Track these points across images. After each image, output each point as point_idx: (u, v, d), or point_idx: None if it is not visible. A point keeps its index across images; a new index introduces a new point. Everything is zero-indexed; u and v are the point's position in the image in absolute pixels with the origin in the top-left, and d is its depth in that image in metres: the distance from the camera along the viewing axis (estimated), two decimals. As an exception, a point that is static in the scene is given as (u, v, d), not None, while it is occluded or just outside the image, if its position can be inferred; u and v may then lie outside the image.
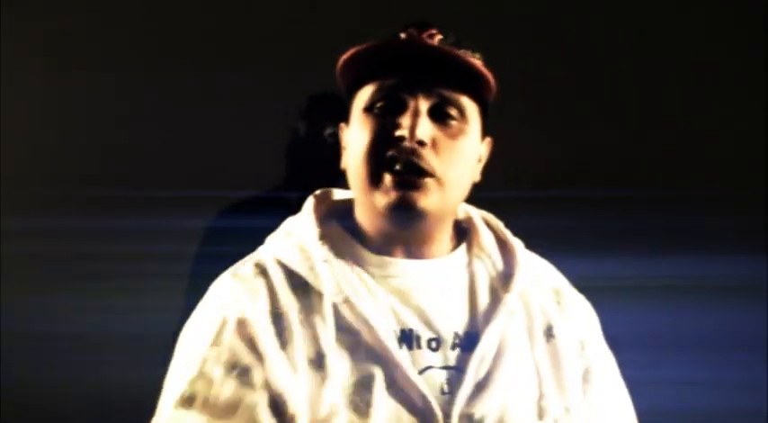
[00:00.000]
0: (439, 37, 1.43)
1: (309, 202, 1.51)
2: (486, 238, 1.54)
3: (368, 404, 1.34)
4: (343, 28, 2.61)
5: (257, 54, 2.57)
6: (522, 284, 1.48)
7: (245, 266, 1.46)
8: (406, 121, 1.39)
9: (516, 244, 1.54)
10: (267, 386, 1.33)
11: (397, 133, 1.39)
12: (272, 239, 1.51)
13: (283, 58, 2.57)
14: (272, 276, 1.43)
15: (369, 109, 1.43)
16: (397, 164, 1.39)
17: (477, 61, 1.43)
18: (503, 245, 1.54)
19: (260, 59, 2.56)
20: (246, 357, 1.35)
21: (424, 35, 1.43)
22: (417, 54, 1.41)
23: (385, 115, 1.41)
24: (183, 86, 2.54)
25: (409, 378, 1.37)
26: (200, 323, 1.41)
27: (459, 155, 1.43)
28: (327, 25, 2.59)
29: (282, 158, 2.49)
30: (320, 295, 1.40)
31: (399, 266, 1.45)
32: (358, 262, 1.45)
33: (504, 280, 1.49)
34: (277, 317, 1.39)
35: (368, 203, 1.42)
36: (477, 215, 1.56)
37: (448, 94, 1.42)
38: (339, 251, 1.45)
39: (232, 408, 1.32)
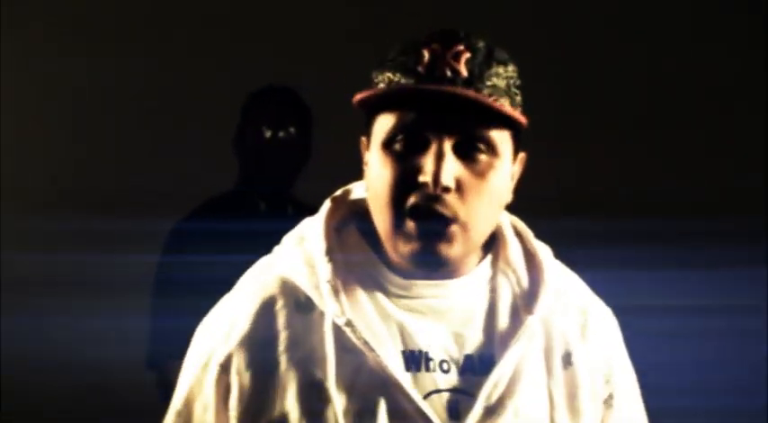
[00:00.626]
0: (467, 55, 1.34)
1: (325, 207, 1.42)
2: (513, 250, 1.45)
3: None
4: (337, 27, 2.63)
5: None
6: (546, 306, 1.40)
7: (251, 286, 1.41)
8: (429, 164, 1.30)
9: (544, 258, 1.45)
10: None
11: (421, 179, 1.30)
12: (285, 243, 1.43)
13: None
14: (275, 296, 1.38)
15: (387, 145, 1.32)
16: (420, 212, 1.31)
17: (506, 106, 1.33)
18: (530, 258, 1.45)
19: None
20: (218, 405, 1.35)
21: (449, 54, 1.34)
22: (443, 97, 1.32)
23: (406, 155, 1.31)
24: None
25: (414, 402, 1.33)
26: (192, 355, 1.39)
27: (487, 194, 1.34)
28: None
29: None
30: (323, 315, 1.36)
31: (417, 287, 1.38)
32: (371, 277, 1.39)
33: (527, 299, 1.41)
34: (267, 344, 1.35)
35: (390, 244, 1.34)
36: (508, 223, 1.47)
37: (474, 130, 1.32)
38: (350, 265, 1.39)
39: None
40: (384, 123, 1.33)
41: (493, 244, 1.44)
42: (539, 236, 1.44)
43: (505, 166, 1.35)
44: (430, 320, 1.38)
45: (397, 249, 1.32)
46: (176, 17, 2.62)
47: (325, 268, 1.37)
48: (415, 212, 1.31)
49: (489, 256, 1.43)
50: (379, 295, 1.37)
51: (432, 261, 1.32)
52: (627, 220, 2.53)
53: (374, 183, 1.34)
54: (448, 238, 1.32)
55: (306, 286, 1.38)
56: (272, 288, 1.38)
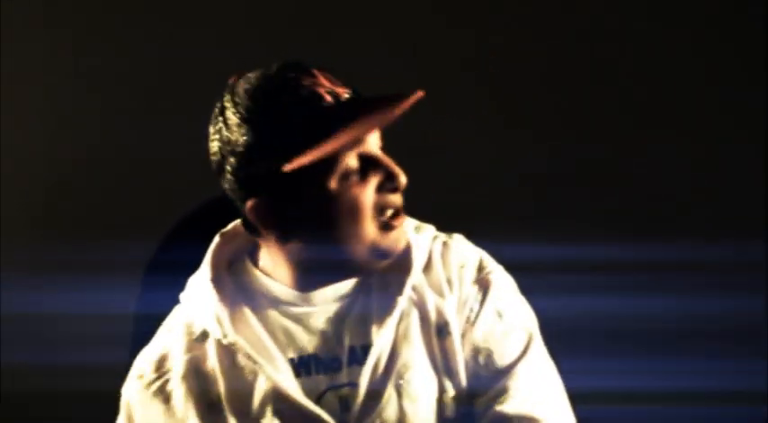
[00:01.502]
0: (328, 74, 1.45)
1: (214, 242, 1.53)
2: None
3: None
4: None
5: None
6: (414, 282, 1.49)
7: (164, 325, 1.53)
8: (393, 168, 1.46)
9: (411, 237, 1.53)
10: None
11: (402, 181, 1.45)
12: (188, 283, 1.55)
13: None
14: (177, 332, 1.50)
15: (343, 180, 1.43)
16: (392, 214, 1.47)
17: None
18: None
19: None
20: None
21: (325, 80, 1.44)
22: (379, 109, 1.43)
23: (367, 170, 1.44)
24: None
25: (303, 405, 1.42)
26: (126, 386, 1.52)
27: None
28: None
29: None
30: (214, 341, 1.46)
31: (303, 296, 1.48)
32: (261, 296, 1.48)
33: (397, 279, 1.50)
34: (183, 377, 1.46)
35: (366, 244, 1.45)
36: None
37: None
38: (240, 289, 1.48)
39: None
40: (330, 168, 1.41)
41: None
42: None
43: None
44: (316, 324, 1.47)
45: (379, 245, 1.44)
46: (180, 18, 2.61)
47: (210, 295, 1.47)
48: (395, 209, 1.45)
49: None
50: (269, 311, 1.48)
51: (392, 251, 1.47)
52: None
53: (350, 204, 1.42)
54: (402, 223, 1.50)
55: (197, 316, 1.49)
56: (177, 323, 1.51)
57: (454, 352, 1.49)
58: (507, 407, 1.46)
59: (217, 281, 1.48)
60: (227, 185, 1.43)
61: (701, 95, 2.65)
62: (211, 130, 1.43)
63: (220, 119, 1.41)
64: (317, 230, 1.43)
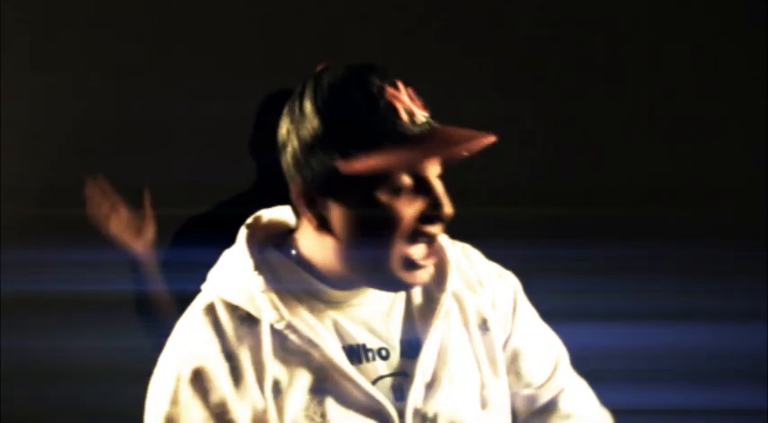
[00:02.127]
0: (410, 91, 1.45)
1: (242, 234, 1.53)
2: None
3: (324, 417, 1.42)
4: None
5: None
6: (454, 282, 1.54)
7: (192, 313, 1.50)
8: (442, 197, 1.43)
9: (442, 239, 1.57)
10: None
11: (446, 211, 1.42)
12: (212, 275, 1.54)
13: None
14: (219, 317, 1.47)
15: (388, 185, 1.42)
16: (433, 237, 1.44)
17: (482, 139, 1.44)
18: None
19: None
20: (204, 413, 1.41)
21: (406, 97, 1.44)
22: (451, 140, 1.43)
23: (411, 191, 1.43)
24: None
25: (363, 388, 1.43)
26: (159, 380, 1.46)
27: None
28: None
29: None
30: (263, 324, 1.45)
31: (345, 295, 1.49)
32: (300, 287, 1.48)
33: (436, 280, 1.53)
34: (230, 357, 1.44)
35: (391, 268, 1.44)
36: None
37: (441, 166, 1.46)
38: (278, 279, 1.49)
39: None
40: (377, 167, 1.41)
41: None
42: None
43: None
44: (360, 316, 1.49)
45: (401, 272, 1.43)
46: (185, 20, 2.62)
47: (256, 281, 1.46)
48: (431, 238, 1.43)
49: None
50: (312, 300, 1.47)
51: (412, 285, 1.46)
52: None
53: (390, 220, 1.42)
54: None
55: (242, 301, 1.47)
56: (215, 311, 1.47)
57: (494, 347, 1.55)
58: (563, 401, 1.61)
59: (258, 267, 1.49)
60: (283, 164, 1.46)
61: (701, 95, 2.66)
62: (287, 108, 1.46)
63: (297, 102, 1.44)
64: (352, 234, 1.45)
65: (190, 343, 1.46)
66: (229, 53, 2.62)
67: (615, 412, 1.70)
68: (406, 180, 1.41)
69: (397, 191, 1.42)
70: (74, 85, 2.57)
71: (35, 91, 2.56)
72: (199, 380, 1.42)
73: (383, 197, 1.42)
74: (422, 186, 1.42)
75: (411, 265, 1.43)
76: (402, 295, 1.53)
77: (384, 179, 1.41)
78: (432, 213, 1.42)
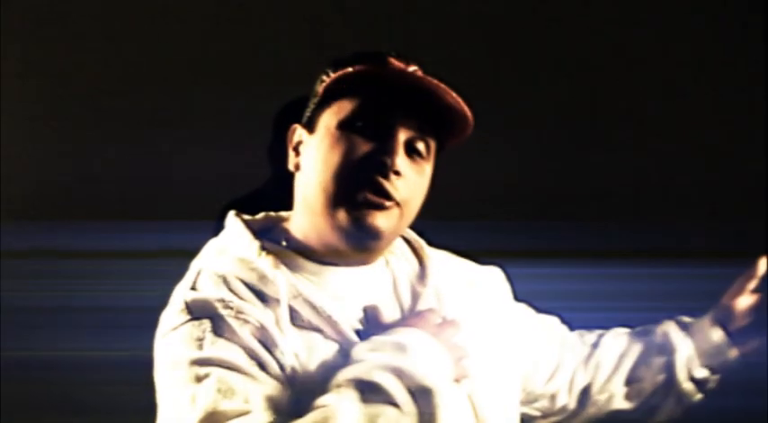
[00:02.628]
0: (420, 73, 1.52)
1: (238, 223, 1.58)
2: (397, 241, 1.65)
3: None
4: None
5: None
6: (434, 279, 1.60)
7: (200, 280, 1.52)
8: (389, 147, 1.47)
9: (419, 240, 1.66)
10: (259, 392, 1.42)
11: (383, 159, 1.46)
12: (202, 260, 1.56)
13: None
14: (232, 286, 1.49)
15: (346, 126, 1.49)
16: (374, 186, 1.47)
17: (467, 109, 1.50)
18: (408, 243, 1.67)
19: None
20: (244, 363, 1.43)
21: (409, 68, 1.51)
22: (413, 86, 1.48)
23: (366, 136, 1.48)
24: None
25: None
26: (180, 340, 1.47)
27: (419, 191, 1.53)
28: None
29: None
30: (276, 301, 1.48)
31: (336, 274, 1.54)
32: (298, 271, 1.53)
33: (419, 276, 1.61)
34: (256, 326, 1.47)
35: (325, 218, 1.50)
36: None
37: (423, 129, 1.50)
38: (280, 262, 1.53)
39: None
40: (343, 106, 1.50)
41: None
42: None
43: (429, 175, 1.55)
44: (352, 303, 1.54)
45: (339, 219, 1.49)
46: (189, 21, 2.62)
47: (265, 261, 1.50)
48: (370, 185, 1.47)
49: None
50: (309, 284, 1.52)
51: (368, 233, 1.49)
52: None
53: (326, 157, 1.49)
54: (387, 215, 1.50)
55: (251, 279, 1.50)
56: (226, 280, 1.49)
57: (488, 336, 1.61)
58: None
59: (264, 249, 1.53)
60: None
61: (701, 95, 2.66)
62: (325, 73, 1.56)
63: (331, 68, 1.56)
64: (325, 166, 1.51)
65: (209, 307, 1.45)
66: (230, 56, 2.63)
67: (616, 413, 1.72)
68: (360, 118, 1.48)
69: (349, 125, 1.48)
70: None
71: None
72: (233, 336, 1.43)
73: (335, 130, 1.49)
74: (376, 131, 1.48)
75: (354, 205, 1.47)
76: (389, 284, 1.58)
77: (354, 114, 1.48)
78: (378, 159, 1.46)
